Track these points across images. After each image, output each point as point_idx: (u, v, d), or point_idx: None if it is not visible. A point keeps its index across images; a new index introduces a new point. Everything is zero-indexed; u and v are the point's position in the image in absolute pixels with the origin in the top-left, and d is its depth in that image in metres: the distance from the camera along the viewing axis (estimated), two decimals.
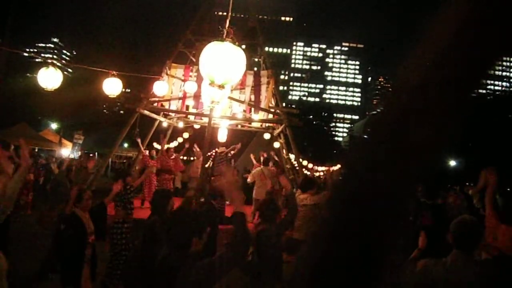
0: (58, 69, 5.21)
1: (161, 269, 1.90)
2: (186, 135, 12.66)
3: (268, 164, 8.81)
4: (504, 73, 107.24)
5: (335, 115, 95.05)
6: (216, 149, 10.14)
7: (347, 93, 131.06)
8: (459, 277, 1.97)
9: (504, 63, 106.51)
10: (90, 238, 3.54)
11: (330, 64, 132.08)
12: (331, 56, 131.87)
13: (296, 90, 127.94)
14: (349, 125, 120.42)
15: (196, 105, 9.43)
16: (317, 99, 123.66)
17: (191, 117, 10.73)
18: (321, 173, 23.50)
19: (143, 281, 2.96)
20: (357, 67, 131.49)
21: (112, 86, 6.49)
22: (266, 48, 10.74)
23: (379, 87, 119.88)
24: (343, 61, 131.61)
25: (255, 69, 10.79)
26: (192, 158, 13.78)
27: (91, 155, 16.46)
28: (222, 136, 10.76)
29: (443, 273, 2.02)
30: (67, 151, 17.31)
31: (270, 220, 3.12)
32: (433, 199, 4.96)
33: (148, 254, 2.97)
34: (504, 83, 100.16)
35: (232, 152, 9.28)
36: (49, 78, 5.11)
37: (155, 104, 9.26)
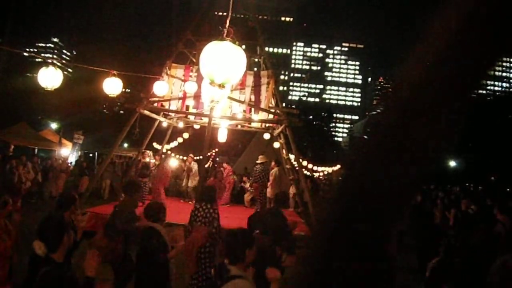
0: (58, 68, 5.21)
1: None
2: (186, 135, 12.66)
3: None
4: (504, 74, 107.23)
5: (335, 115, 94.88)
6: (257, 161, 9.75)
7: (347, 93, 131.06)
8: None
9: (504, 63, 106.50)
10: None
11: (330, 65, 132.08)
12: (331, 56, 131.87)
13: (296, 90, 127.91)
14: (349, 126, 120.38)
15: (196, 105, 9.42)
16: (317, 100, 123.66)
17: (191, 117, 10.73)
18: (321, 173, 23.52)
19: None
20: (357, 67, 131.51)
21: (113, 86, 6.49)
22: (266, 48, 10.71)
23: (379, 87, 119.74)
24: (343, 61, 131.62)
25: (255, 69, 10.78)
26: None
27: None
28: (222, 136, 10.77)
29: None
30: (67, 151, 17.32)
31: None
32: None
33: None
34: (504, 84, 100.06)
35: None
36: (49, 78, 5.11)
37: (155, 104, 9.25)
